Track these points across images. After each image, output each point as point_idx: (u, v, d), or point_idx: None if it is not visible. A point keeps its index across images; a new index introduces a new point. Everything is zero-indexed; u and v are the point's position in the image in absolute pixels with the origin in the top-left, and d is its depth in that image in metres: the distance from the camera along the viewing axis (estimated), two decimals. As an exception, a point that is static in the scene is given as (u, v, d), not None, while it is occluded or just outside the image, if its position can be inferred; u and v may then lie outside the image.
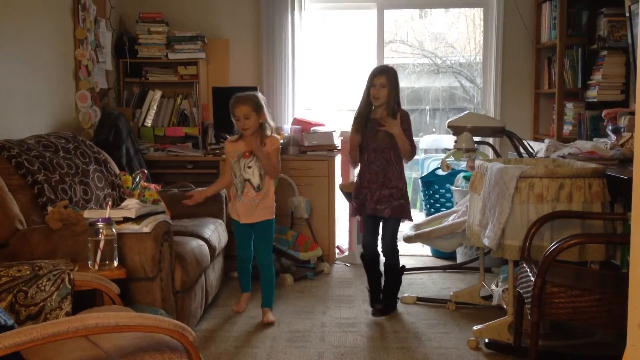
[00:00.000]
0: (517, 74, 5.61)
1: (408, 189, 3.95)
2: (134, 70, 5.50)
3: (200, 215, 4.20)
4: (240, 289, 4.01)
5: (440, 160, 4.51)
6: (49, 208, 3.21)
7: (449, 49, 7.49)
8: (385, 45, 5.86)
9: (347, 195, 5.06)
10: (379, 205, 3.76)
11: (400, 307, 4.00)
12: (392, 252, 3.85)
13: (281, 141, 5.21)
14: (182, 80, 5.49)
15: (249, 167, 3.70)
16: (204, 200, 3.99)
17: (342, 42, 6.52)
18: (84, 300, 2.52)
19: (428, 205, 5.40)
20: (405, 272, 4.25)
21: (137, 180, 4.14)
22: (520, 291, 2.90)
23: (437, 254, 5.22)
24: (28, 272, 2.40)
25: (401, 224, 3.93)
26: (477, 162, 3.60)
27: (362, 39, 6.23)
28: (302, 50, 5.60)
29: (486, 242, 3.28)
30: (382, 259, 3.91)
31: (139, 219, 3.13)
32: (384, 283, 3.93)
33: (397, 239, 3.89)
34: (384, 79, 3.68)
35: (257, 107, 3.67)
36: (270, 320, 3.73)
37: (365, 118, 3.76)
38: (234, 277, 4.61)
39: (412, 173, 7.17)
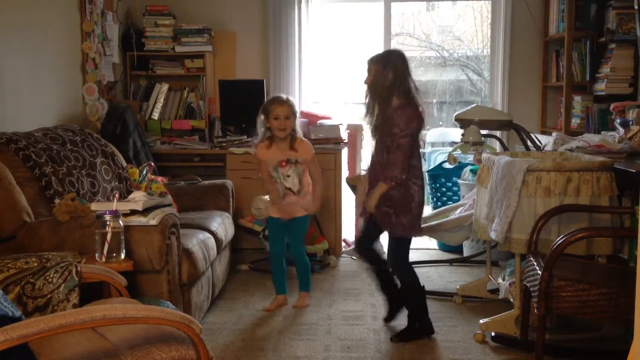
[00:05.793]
0: (525, 67, 5.57)
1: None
2: (141, 63, 5.51)
3: (207, 208, 4.21)
4: (275, 291, 3.97)
5: (447, 154, 4.50)
6: (57, 200, 3.22)
7: (456, 41, 7.47)
8: (392, 38, 5.83)
9: (353, 188, 5.06)
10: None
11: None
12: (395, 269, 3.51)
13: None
14: (189, 73, 5.49)
15: (288, 176, 3.77)
16: (213, 193, 4.23)
17: (349, 35, 6.51)
18: (91, 292, 2.53)
19: (435, 199, 5.39)
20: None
21: (144, 173, 4.15)
22: (527, 285, 2.90)
23: (443, 247, 5.21)
24: (36, 264, 2.41)
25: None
26: (485, 156, 3.58)
27: (369, 32, 6.23)
28: (309, 43, 5.59)
29: (493, 235, 3.27)
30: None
31: (146, 211, 3.14)
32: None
33: (401, 257, 3.43)
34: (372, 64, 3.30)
35: (295, 111, 3.75)
36: (301, 305, 3.86)
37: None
38: (241, 270, 4.63)
39: (420, 166, 7.16)
